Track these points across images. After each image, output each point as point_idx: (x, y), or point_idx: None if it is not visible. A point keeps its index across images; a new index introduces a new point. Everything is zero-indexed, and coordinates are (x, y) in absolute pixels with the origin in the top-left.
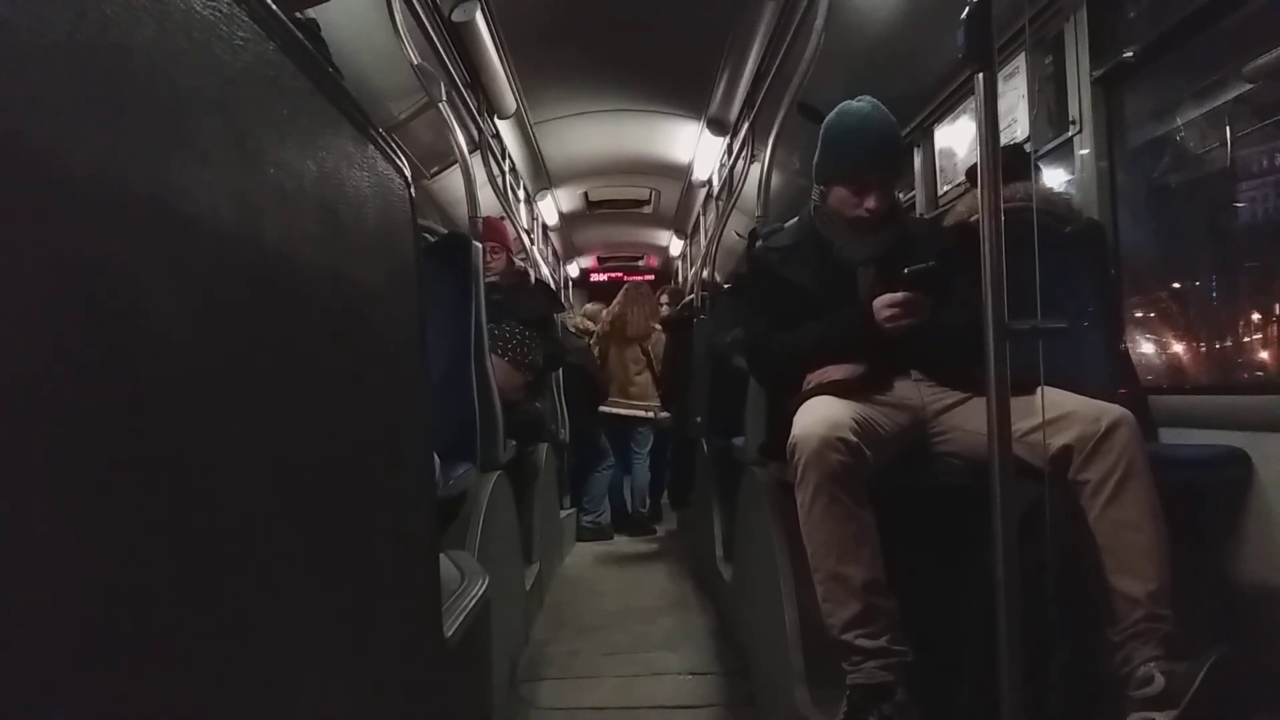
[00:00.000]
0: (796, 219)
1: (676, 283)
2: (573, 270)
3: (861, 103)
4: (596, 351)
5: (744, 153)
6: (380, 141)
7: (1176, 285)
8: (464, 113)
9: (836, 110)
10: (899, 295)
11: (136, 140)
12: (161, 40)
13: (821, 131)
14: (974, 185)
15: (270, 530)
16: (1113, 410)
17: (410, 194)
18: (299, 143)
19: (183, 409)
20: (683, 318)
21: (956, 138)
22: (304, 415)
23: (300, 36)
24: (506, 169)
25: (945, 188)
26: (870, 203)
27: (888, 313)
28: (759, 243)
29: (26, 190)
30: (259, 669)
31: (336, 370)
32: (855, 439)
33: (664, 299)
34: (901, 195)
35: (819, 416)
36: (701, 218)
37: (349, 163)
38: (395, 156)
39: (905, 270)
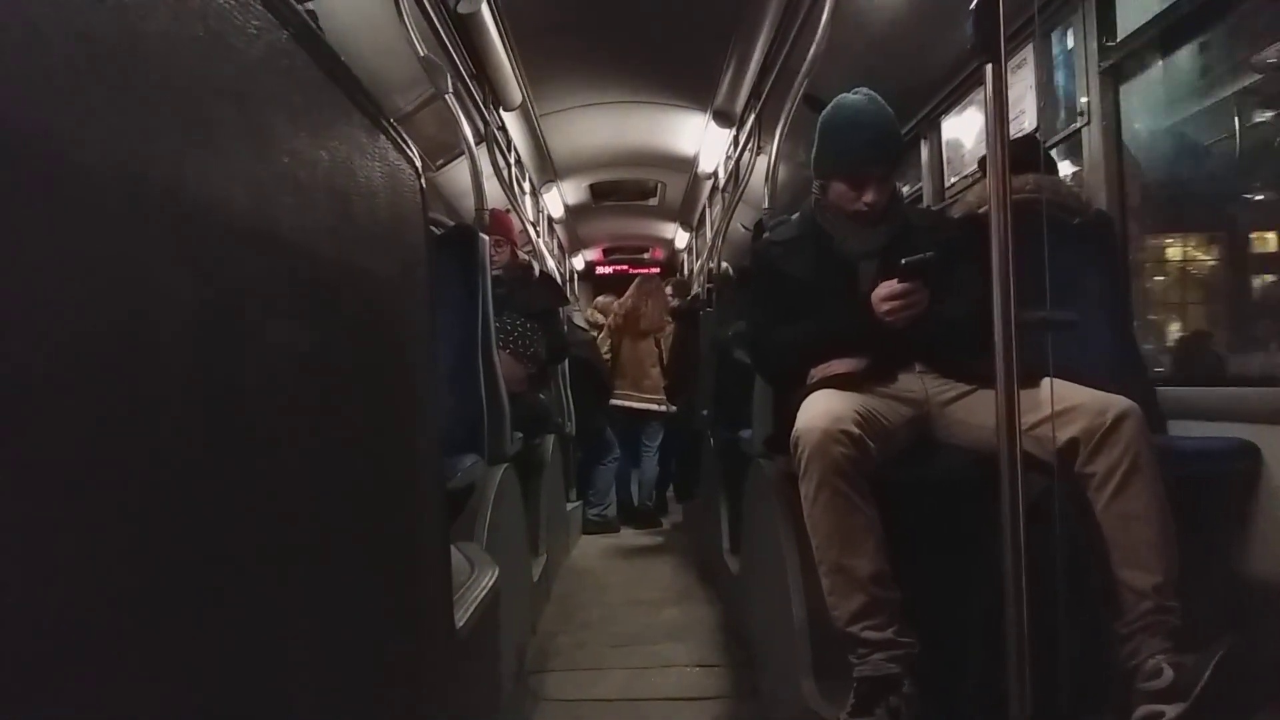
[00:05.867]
0: (799, 213)
1: (682, 275)
2: (578, 263)
3: (857, 95)
4: (609, 345)
5: (750, 145)
6: (391, 132)
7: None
8: (470, 105)
9: (832, 104)
10: (897, 287)
11: (150, 128)
12: (176, 28)
13: (818, 126)
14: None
15: (282, 523)
16: (1119, 402)
17: (421, 185)
18: (312, 132)
19: (194, 398)
20: (691, 309)
21: (964, 129)
22: (316, 407)
23: (313, 26)
24: (512, 161)
25: (953, 179)
26: (869, 196)
27: (886, 305)
28: (765, 235)
29: (40, 176)
30: (275, 659)
31: (348, 362)
32: (859, 432)
33: (669, 291)
34: (909, 187)
35: (822, 410)
36: (707, 210)
37: (361, 153)
38: (406, 147)
39: (902, 261)
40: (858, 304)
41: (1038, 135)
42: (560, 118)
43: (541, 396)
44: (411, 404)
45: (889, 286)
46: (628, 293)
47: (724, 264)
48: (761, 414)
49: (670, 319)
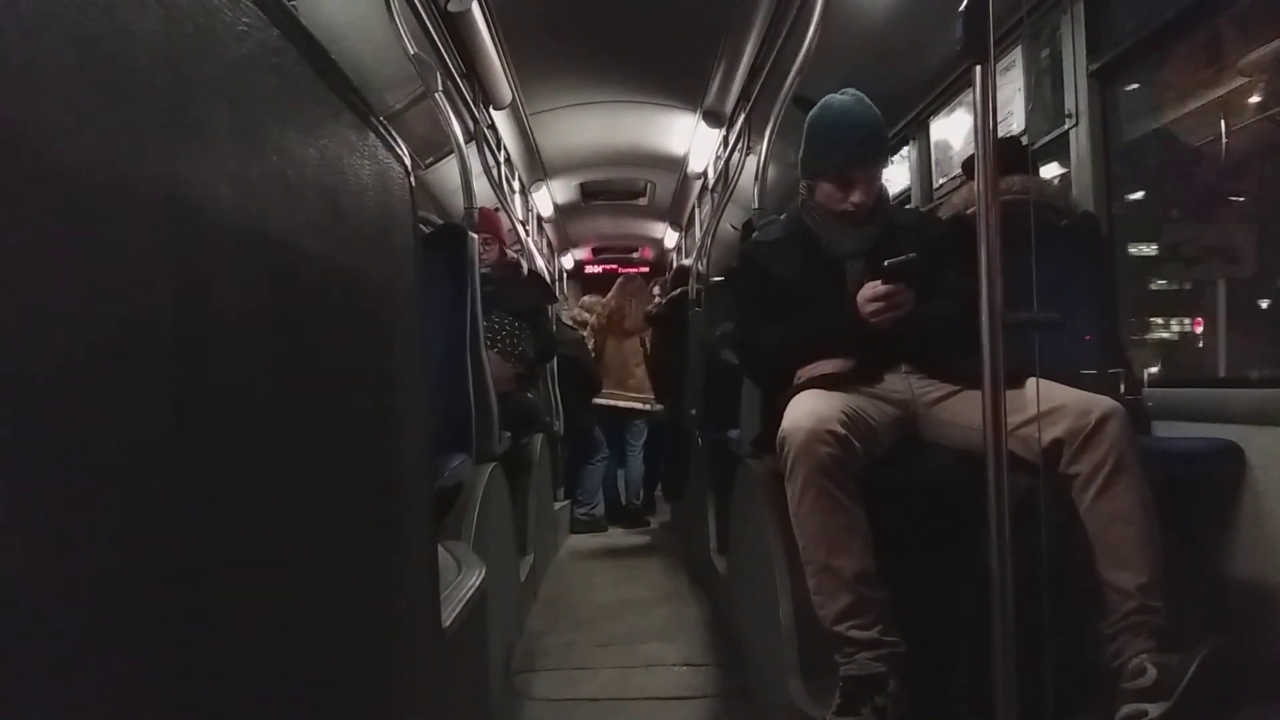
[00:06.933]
0: (786, 213)
1: (669, 275)
2: (568, 262)
3: (845, 96)
4: (593, 344)
5: (740, 145)
6: (381, 130)
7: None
8: (460, 103)
9: (820, 104)
10: (881, 288)
11: (139, 125)
12: (166, 25)
13: (805, 126)
14: (970, 178)
15: (270, 521)
16: (1103, 403)
17: (410, 184)
18: (301, 130)
19: (180, 396)
20: (666, 314)
21: (952, 130)
22: (304, 405)
23: (303, 24)
24: (502, 160)
25: (940, 180)
26: (855, 196)
27: (871, 307)
28: (753, 235)
29: (27, 173)
30: (261, 658)
31: (337, 360)
32: (844, 431)
33: (656, 290)
34: (897, 188)
35: (808, 410)
36: (696, 210)
37: (350, 151)
38: (395, 145)
39: (885, 263)
40: (844, 304)
41: (1023, 138)
42: (550, 117)
43: (530, 395)
44: (400, 403)
45: (873, 288)
46: (611, 293)
47: (709, 263)
48: (749, 414)
49: (648, 323)
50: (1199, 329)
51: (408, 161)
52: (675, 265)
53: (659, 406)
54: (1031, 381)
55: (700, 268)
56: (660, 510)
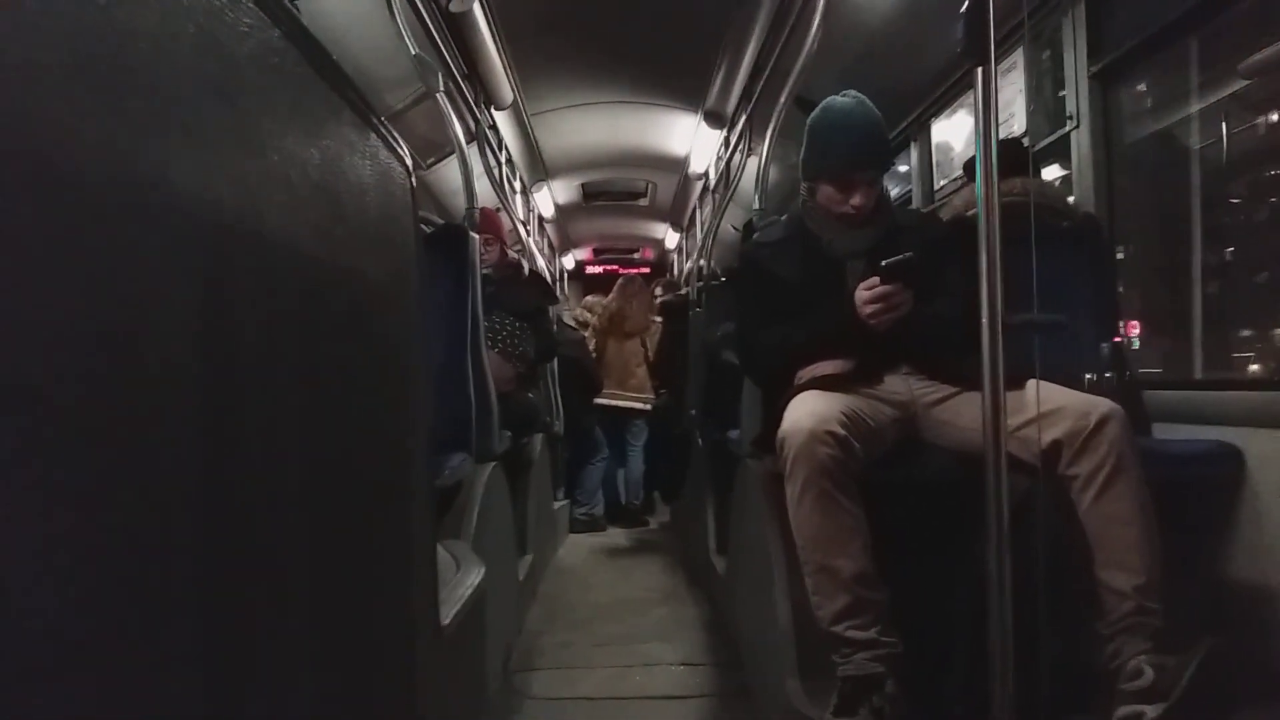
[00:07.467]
0: (787, 214)
1: (671, 275)
2: (568, 262)
3: (846, 98)
4: (594, 345)
5: (741, 146)
6: (382, 130)
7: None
8: (461, 104)
9: (821, 106)
10: (879, 289)
11: (140, 126)
12: (166, 25)
13: (806, 128)
14: (971, 179)
15: (270, 520)
16: (1102, 404)
17: (411, 184)
18: (302, 130)
19: (182, 396)
20: (679, 305)
21: (953, 132)
22: (305, 405)
23: (304, 24)
24: (503, 160)
25: (942, 182)
26: (856, 199)
27: (869, 308)
28: (754, 236)
29: (29, 175)
30: (262, 656)
31: (337, 360)
32: (844, 432)
33: (658, 290)
34: (898, 189)
35: (808, 410)
36: (698, 211)
37: (351, 151)
38: (396, 146)
39: (882, 263)
40: (844, 305)
41: (1024, 140)
42: (552, 117)
43: (530, 395)
44: (400, 402)
45: (871, 289)
46: (611, 295)
47: (711, 264)
48: (749, 414)
49: (657, 319)
50: None
51: (409, 162)
52: (689, 264)
53: (655, 405)
54: (1031, 383)
55: (701, 266)
56: (660, 510)
